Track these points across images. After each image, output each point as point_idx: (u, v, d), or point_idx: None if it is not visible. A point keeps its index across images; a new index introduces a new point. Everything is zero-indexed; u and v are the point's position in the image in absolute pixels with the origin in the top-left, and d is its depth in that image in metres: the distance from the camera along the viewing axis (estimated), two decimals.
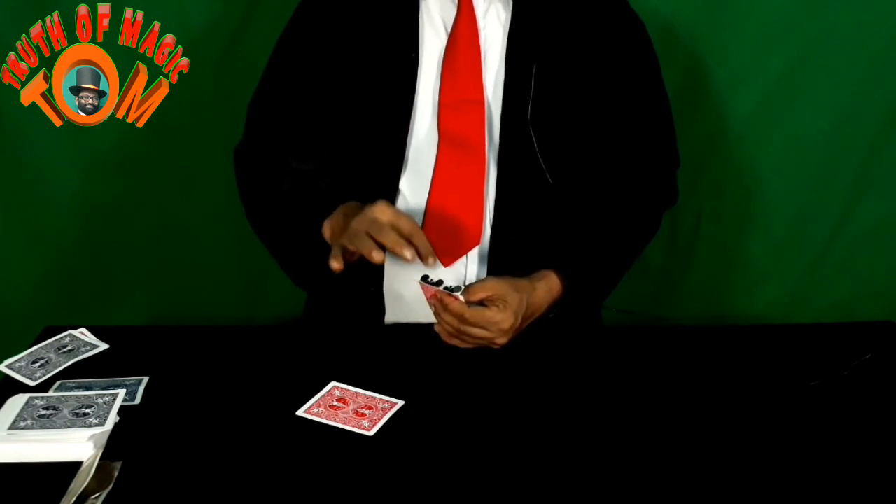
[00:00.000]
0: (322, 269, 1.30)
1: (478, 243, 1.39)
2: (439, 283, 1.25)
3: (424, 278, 1.26)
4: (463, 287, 1.25)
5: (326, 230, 1.32)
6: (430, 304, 1.27)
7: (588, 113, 1.42)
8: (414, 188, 1.39)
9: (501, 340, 1.25)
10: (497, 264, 1.39)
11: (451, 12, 1.40)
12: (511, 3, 1.40)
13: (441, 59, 1.39)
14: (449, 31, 1.40)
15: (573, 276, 1.34)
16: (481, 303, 1.25)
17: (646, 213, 1.51)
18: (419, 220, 1.38)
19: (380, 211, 1.24)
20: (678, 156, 1.53)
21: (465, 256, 1.39)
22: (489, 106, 1.39)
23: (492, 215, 1.39)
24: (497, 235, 1.39)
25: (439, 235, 1.38)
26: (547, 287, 1.32)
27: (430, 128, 1.39)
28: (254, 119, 1.48)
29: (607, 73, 1.42)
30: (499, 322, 1.24)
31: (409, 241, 1.22)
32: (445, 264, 1.39)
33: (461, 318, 1.23)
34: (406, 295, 1.40)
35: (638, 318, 1.41)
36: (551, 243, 1.42)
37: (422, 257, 1.23)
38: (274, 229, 1.45)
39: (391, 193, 1.39)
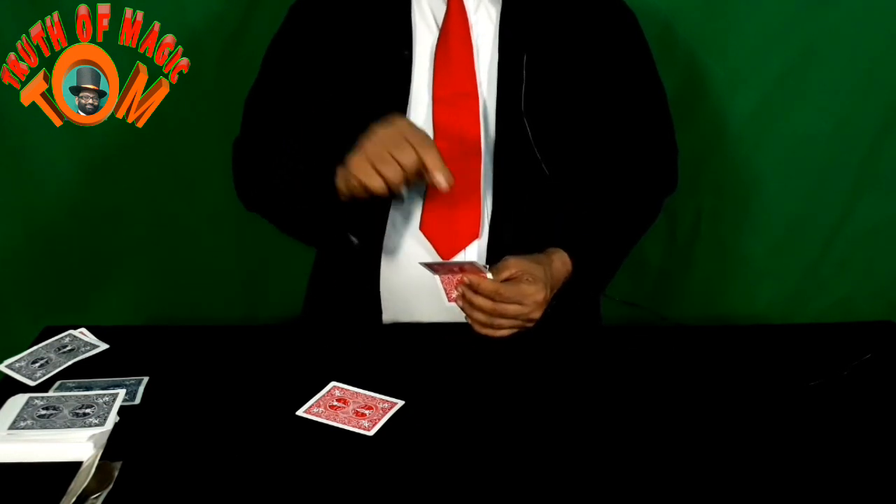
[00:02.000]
0: (333, 221, 1.29)
1: (476, 237, 1.39)
2: (454, 266, 1.21)
3: (431, 266, 1.23)
4: (485, 265, 1.23)
5: (340, 175, 1.27)
6: (455, 293, 1.23)
7: (581, 102, 1.42)
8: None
9: (536, 314, 1.24)
10: (496, 258, 1.38)
11: (442, 8, 1.40)
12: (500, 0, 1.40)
13: (433, 55, 1.40)
14: (440, 26, 1.40)
15: (580, 253, 1.34)
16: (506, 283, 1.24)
17: (644, 199, 1.51)
18: (417, 218, 1.38)
19: (391, 126, 1.20)
20: (675, 142, 1.53)
21: (463, 251, 1.39)
22: (483, 100, 1.39)
23: (490, 209, 1.39)
24: (495, 229, 1.39)
25: (438, 230, 1.38)
26: (561, 260, 1.32)
27: (426, 124, 1.39)
28: (250, 117, 1.48)
29: (599, 62, 1.43)
30: (532, 294, 1.23)
31: (420, 156, 1.18)
32: (444, 259, 1.39)
33: (496, 295, 1.21)
34: (403, 293, 1.40)
35: (640, 313, 1.41)
36: (550, 235, 1.42)
37: (431, 174, 1.18)
38: (277, 194, 1.41)
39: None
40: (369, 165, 1.20)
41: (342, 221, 1.34)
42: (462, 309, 1.25)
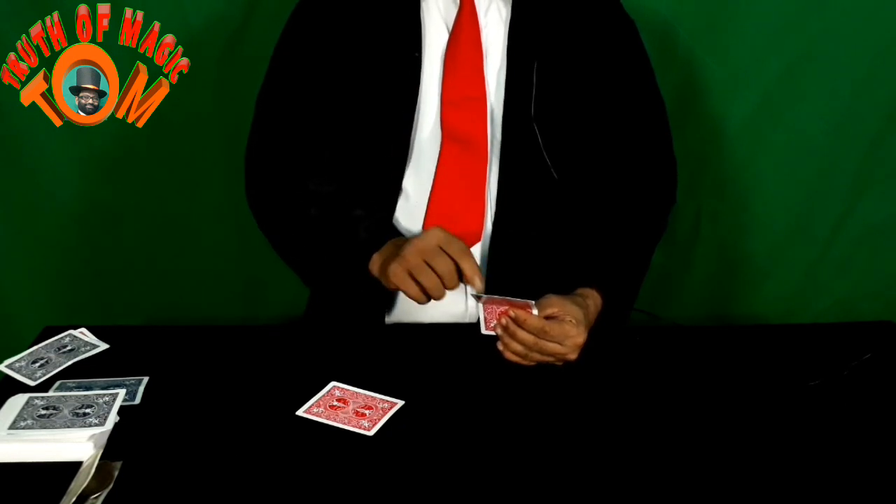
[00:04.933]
0: (358, 286, 1.32)
1: (479, 240, 1.39)
2: (503, 300, 1.21)
3: (478, 298, 1.23)
4: (531, 302, 1.22)
5: (375, 263, 1.30)
6: (493, 323, 1.22)
7: (587, 109, 1.42)
8: (417, 185, 1.40)
9: (572, 356, 1.23)
10: (498, 261, 1.39)
11: (453, 10, 1.40)
12: (511, 1, 1.40)
13: (443, 57, 1.40)
14: (450, 29, 1.40)
15: (609, 293, 1.33)
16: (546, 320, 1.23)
17: (654, 218, 1.50)
18: (420, 218, 1.38)
19: (429, 237, 1.24)
20: (674, 155, 1.52)
21: None
22: (491, 103, 1.39)
23: (493, 212, 1.39)
24: (498, 232, 1.39)
25: None
26: (594, 304, 1.31)
27: (434, 125, 1.39)
28: (261, 123, 1.47)
29: (601, 70, 1.43)
30: (574, 336, 1.22)
31: (457, 265, 1.22)
32: None
33: (541, 333, 1.21)
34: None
35: (639, 314, 1.41)
36: (552, 241, 1.42)
37: (468, 279, 1.22)
38: (304, 254, 1.43)
39: (394, 191, 1.39)
40: (407, 275, 1.23)
41: (368, 292, 1.35)
42: (500, 338, 1.24)
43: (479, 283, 1.22)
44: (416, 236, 1.26)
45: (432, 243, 1.23)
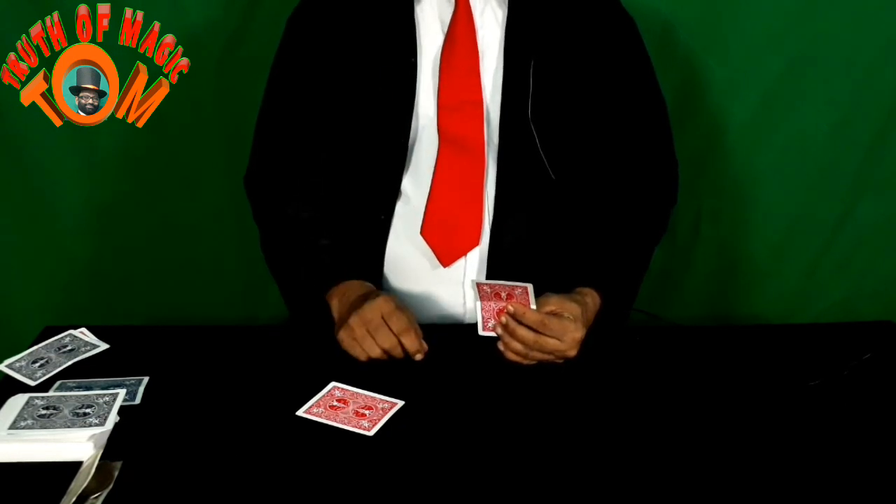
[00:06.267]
0: (317, 314, 1.34)
1: (477, 244, 1.39)
2: (504, 288, 1.22)
3: (480, 287, 1.22)
4: (528, 285, 1.22)
5: (333, 304, 1.33)
6: (491, 323, 1.23)
7: (585, 108, 1.42)
8: (415, 188, 1.40)
9: (572, 352, 1.24)
10: (496, 265, 1.39)
11: (448, 12, 1.40)
12: (507, 2, 1.40)
13: (438, 60, 1.39)
14: (446, 29, 1.40)
15: (608, 291, 1.34)
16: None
17: (654, 217, 1.50)
18: (418, 223, 1.38)
19: (374, 309, 1.25)
20: (675, 155, 1.52)
21: (464, 257, 1.39)
22: (487, 106, 1.39)
23: (491, 216, 1.39)
24: (496, 236, 1.39)
25: (439, 236, 1.38)
26: (593, 302, 1.31)
27: (431, 129, 1.39)
28: (261, 143, 1.48)
29: (600, 69, 1.42)
30: (572, 331, 1.23)
31: (399, 340, 1.23)
32: (445, 265, 1.39)
33: (540, 326, 1.21)
34: (404, 297, 1.40)
35: (639, 314, 1.41)
36: (551, 242, 1.42)
37: (409, 354, 1.24)
38: (279, 270, 1.46)
39: (393, 194, 1.39)
40: (353, 341, 1.25)
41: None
42: (500, 336, 1.24)
43: (420, 358, 1.24)
44: (366, 300, 1.27)
45: (376, 316, 1.24)
